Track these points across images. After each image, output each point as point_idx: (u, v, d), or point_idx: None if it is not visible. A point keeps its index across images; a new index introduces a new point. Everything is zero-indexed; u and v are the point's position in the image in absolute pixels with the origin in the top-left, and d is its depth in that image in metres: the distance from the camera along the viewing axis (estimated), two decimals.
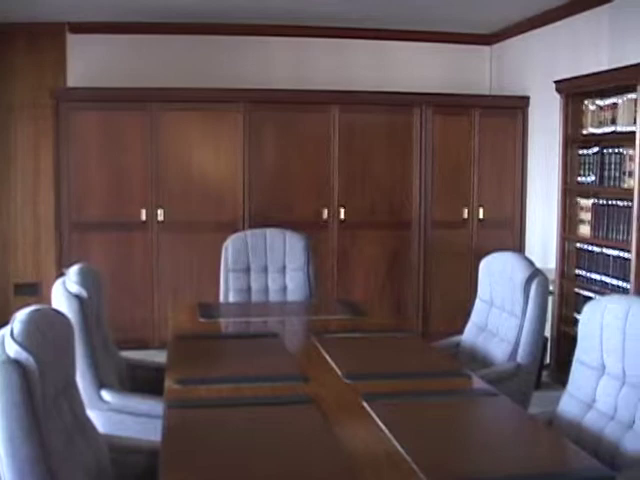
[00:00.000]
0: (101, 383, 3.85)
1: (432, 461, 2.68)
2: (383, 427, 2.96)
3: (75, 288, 3.86)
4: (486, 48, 8.82)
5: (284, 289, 5.89)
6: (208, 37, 8.16)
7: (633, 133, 5.76)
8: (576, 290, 6.70)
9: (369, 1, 7.19)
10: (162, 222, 7.54)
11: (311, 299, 5.84)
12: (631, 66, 5.82)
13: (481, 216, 8.03)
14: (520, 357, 4.39)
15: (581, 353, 3.48)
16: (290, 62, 8.35)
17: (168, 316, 5.28)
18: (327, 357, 3.96)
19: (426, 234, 7.95)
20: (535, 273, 4.45)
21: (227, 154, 7.64)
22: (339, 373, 3.69)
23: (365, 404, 3.22)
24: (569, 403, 3.47)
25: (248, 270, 5.87)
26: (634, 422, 3.11)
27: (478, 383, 3.66)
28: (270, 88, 7.80)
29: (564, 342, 6.42)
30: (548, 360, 6.84)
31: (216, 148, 7.66)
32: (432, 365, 4.00)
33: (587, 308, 3.48)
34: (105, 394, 3.83)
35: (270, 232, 5.97)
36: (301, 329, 5.01)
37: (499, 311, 4.70)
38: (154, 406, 3.62)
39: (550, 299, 6.41)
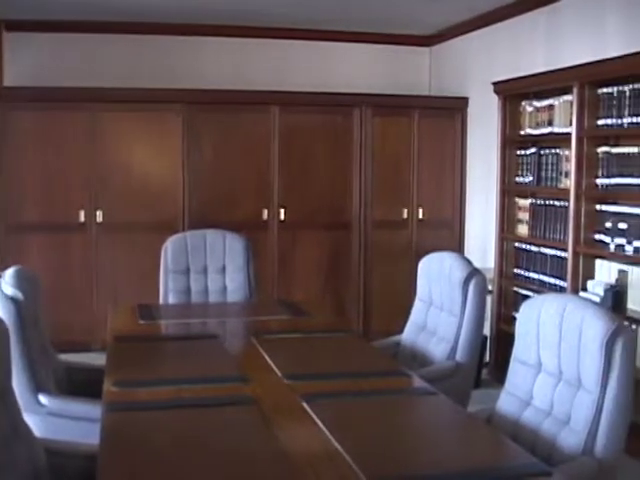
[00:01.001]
0: (38, 387, 3.80)
1: (371, 460, 2.69)
2: (323, 427, 2.96)
3: (11, 291, 3.81)
4: (425, 49, 8.88)
5: (224, 290, 5.87)
6: (148, 37, 8.09)
7: (569, 134, 5.85)
8: (515, 289, 6.78)
9: (310, 2, 7.20)
10: (101, 223, 7.45)
11: (251, 300, 5.83)
12: (567, 68, 5.91)
13: (421, 216, 8.07)
14: (459, 356, 4.44)
15: (519, 351, 3.52)
16: (230, 62, 8.30)
17: (108, 318, 5.23)
18: (267, 358, 3.96)
19: (366, 234, 7.97)
20: (473, 273, 4.49)
21: (167, 154, 7.58)
22: (279, 374, 3.68)
23: (305, 404, 3.22)
24: (507, 400, 3.51)
25: (188, 271, 5.84)
26: (570, 418, 3.16)
27: (417, 382, 3.68)
28: (210, 88, 7.76)
29: (503, 340, 6.48)
30: (488, 358, 6.90)
31: (155, 148, 7.60)
32: (372, 365, 4.02)
33: (524, 307, 3.53)
34: (42, 398, 3.78)
35: (210, 233, 5.95)
36: (241, 330, 5.00)
37: (438, 310, 4.74)
38: (93, 409, 3.57)
39: (489, 298, 6.49)
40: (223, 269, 5.88)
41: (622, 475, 3.21)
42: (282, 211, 7.75)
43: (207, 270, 5.88)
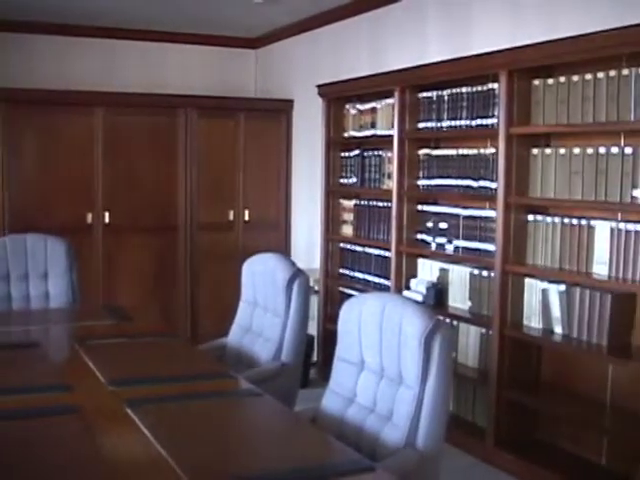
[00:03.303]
0: None
1: (196, 464, 2.67)
2: (147, 432, 2.92)
3: None
4: (251, 52, 8.91)
5: (46, 296, 5.71)
6: None
7: (391, 136, 6.00)
8: (340, 289, 6.89)
9: (136, 1, 7.09)
10: None
11: (75, 305, 5.69)
12: (389, 73, 6.07)
13: (247, 218, 8.09)
14: (284, 356, 4.46)
15: (341, 350, 3.57)
16: (54, 61, 8.07)
17: None
18: (90, 364, 3.87)
19: (192, 237, 7.92)
20: (296, 273, 4.52)
21: None
22: (102, 380, 3.61)
23: (129, 410, 3.17)
24: (331, 399, 3.55)
25: (8, 277, 5.66)
26: (392, 413, 3.23)
27: (243, 384, 3.70)
28: (31, 88, 7.51)
29: (330, 340, 6.54)
30: (315, 358, 6.99)
31: None
32: (197, 368, 4.00)
33: (345, 306, 3.57)
34: None
35: (30, 237, 5.78)
36: (64, 337, 4.86)
37: (263, 312, 4.75)
38: None
39: (315, 298, 6.58)
40: (45, 274, 5.72)
41: (444, 463, 3.30)
42: (107, 214, 7.59)
43: (28, 276, 5.71)
